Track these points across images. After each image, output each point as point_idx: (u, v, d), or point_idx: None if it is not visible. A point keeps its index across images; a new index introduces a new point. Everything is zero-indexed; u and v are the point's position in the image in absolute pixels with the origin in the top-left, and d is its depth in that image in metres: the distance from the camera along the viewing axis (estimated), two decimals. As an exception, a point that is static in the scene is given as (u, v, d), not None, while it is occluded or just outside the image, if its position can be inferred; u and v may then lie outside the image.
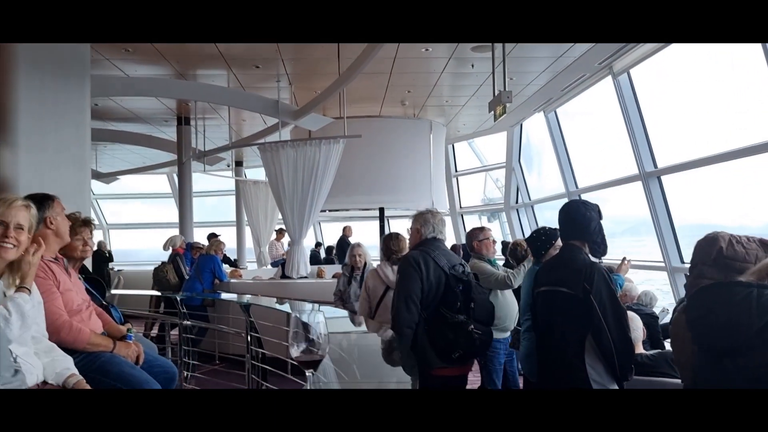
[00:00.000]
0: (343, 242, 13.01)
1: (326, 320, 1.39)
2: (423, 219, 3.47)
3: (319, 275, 12.33)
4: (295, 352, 1.37)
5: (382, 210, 8.78)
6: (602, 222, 3.11)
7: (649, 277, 12.50)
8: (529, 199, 12.00)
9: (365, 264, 5.18)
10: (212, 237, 11.63)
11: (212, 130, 10.70)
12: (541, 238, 3.84)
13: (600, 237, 3.07)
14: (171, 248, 8.85)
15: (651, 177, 7.36)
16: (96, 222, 3.48)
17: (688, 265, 2.33)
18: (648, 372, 3.81)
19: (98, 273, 12.14)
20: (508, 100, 5.74)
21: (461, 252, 10.16)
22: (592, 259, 3.05)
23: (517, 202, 12.53)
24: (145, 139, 10.30)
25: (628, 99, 7.48)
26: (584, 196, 9.87)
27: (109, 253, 13.46)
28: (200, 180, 17.84)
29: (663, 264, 7.39)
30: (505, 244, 7.53)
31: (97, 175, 14.10)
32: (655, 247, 7.58)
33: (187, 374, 5.32)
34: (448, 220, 14.18)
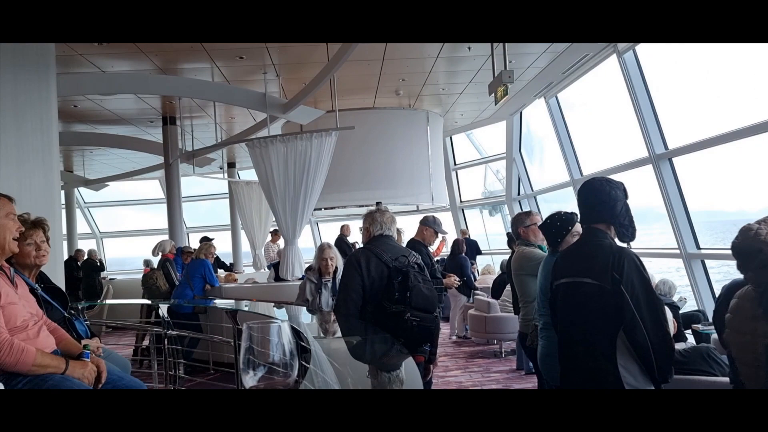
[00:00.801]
0: (342, 242, 12.57)
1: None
2: (371, 218, 3.68)
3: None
4: (250, 380, 0.97)
5: (379, 204, 8.39)
6: (628, 202, 2.72)
7: (659, 266, 12.13)
8: (532, 189, 11.61)
9: (336, 269, 4.45)
10: (204, 241, 11.26)
11: (200, 130, 10.30)
12: (556, 224, 3.41)
13: (627, 219, 2.68)
14: (160, 254, 8.45)
15: (662, 159, 6.96)
16: (48, 225, 3.07)
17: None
18: (682, 370, 3.42)
19: (89, 283, 11.81)
20: (510, 80, 5.36)
21: (463, 247, 9.78)
22: (620, 244, 2.66)
23: (519, 194, 12.14)
24: (130, 142, 9.90)
25: (635, 77, 7.08)
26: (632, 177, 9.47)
27: (101, 261, 13.08)
28: (193, 184, 17.46)
29: (678, 251, 6.99)
30: (510, 236, 7.14)
31: (85, 182, 13.73)
32: (663, 235, 7.20)
33: (172, 388, 4.92)
34: (448, 215, 13.81)
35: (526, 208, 12.16)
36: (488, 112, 10.46)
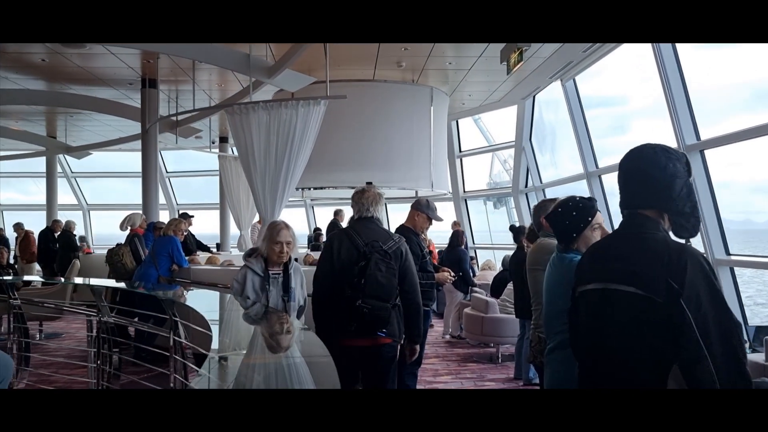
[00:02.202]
0: (335, 227, 11.83)
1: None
2: (353, 201, 3.63)
3: (307, 262, 11.21)
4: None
5: (370, 184, 7.58)
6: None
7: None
8: (541, 182, 10.79)
9: (291, 258, 3.55)
10: (183, 217, 10.50)
11: (186, 96, 9.49)
12: (570, 213, 2.51)
13: (690, 204, 1.88)
14: (129, 228, 7.69)
15: (693, 151, 6.14)
16: None
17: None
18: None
19: (66, 256, 10.99)
20: (527, 44, 4.54)
21: (463, 239, 8.99)
22: (674, 238, 1.87)
23: (526, 186, 11.32)
24: (107, 106, 9.09)
25: (667, 56, 6.24)
26: (606, 178, 8.67)
27: (81, 238, 12.32)
28: (186, 159, 16.73)
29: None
30: (520, 228, 6.32)
31: (67, 149, 12.97)
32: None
33: (104, 385, 4.15)
34: (450, 205, 13.01)
35: (534, 202, 11.34)
36: (498, 94, 9.63)
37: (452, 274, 5.35)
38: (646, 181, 1.88)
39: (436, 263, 6.59)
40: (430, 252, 5.82)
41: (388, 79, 8.26)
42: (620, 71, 9.26)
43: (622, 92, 10.10)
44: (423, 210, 4.89)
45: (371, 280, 3.30)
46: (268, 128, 6.26)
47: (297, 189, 8.38)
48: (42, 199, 15.00)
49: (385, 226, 3.72)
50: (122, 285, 5.22)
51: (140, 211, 8.20)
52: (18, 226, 12.68)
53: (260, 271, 3.51)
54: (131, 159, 17.02)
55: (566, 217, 2.50)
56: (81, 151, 12.57)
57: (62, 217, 13.68)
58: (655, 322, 1.72)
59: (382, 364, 3.47)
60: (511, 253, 9.01)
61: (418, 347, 3.71)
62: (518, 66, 4.75)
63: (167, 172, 16.39)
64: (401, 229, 4.94)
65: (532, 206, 11.36)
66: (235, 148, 14.01)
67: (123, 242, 7.57)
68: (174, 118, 9.45)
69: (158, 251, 6.64)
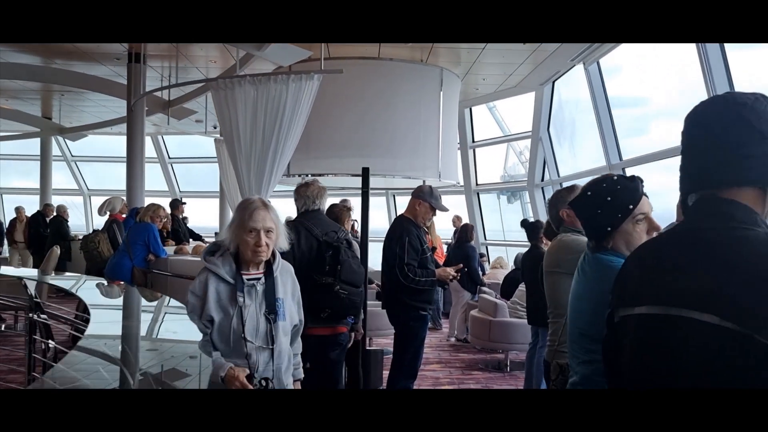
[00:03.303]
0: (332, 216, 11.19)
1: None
2: (297, 195, 3.74)
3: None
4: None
5: (366, 171, 6.87)
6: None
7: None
8: (558, 175, 10.04)
9: (276, 255, 2.41)
10: (175, 204, 9.92)
11: (180, 75, 8.85)
12: (605, 197, 1.76)
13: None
14: (108, 213, 7.10)
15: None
16: None
17: None
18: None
19: (56, 243, 10.43)
20: None
21: (472, 234, 8.27)
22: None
23: (543, 180, 10.59)
24: (94, 83, 8.47)
25: (714, 55, 5.46)
26: (630, 171, 7.92)
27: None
28: (185, 144, 16.14)
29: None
30: (528, 224, 5.62)
31: (60, 130, 12.44)
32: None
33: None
34: (461, 198, 12.31)
35: (550, 197, 10.60)
36: (515, 78, 8.89)
37: (453, 272, 4.60)
38: (730, 144, 1.19)
39: (441, 262, 5.91)
40: (434, 248, 5.12)
41: (395, 58, 7.55)
42: (639, 71, 8.53)
43: (641, 93, 9.29)
44: (425, 198, 4.23)
45: (347, 267, 3.41)
46: (255, 105, 5.61)
47: (293, 175, 7.73)
48: (58, 181, 14.55)
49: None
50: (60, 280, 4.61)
51: (122, 196, 7.61)
52: (19, 210, 12.23)
53: (229, 276, 2.30)
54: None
55: (598, 202, 1.78)
56: (75, 132, 12.00)
57: (60, 202, 13.20)
58: (746, 365, 1.04)
59: (338, 352, 3.60)
60: (524, 251, 8.34)
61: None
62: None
63: (169, 158, 15.83)
64: (399, 220, 4.28)
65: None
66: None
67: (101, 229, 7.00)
68: (166, 98, 8.85)
69: (133, 239, 6.04)
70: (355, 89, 7.47)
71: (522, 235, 12.67)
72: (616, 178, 1.79)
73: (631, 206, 1.74)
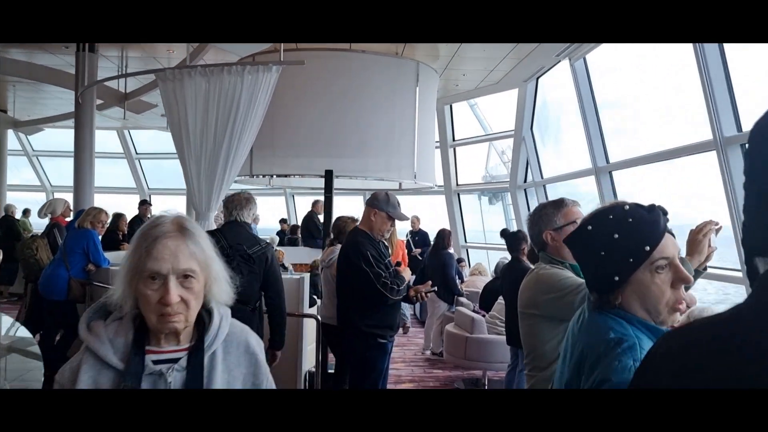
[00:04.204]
0: (310, 220, 10.62)
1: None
2: (223, 205, 3.85)
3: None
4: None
5: (330, 173, 6.32)
6: None
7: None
8: (542, 177, 9.55)
9: (213, 316, 1.51)
10: (143, 205, 9.28)
11: (137, 64, 8.21)
12: (610, 234, 1.23)
13: None
14: (49, 216, 6.45)
15: (731, 145, 4.91)
16: None
17: None
18: None
19: (6, 246, 9.71)
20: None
21: (449, 241, 7.73)
22: None
23: (525, 181, 10.10)
24: (41, 72, 7.78)
25: (711, 53, 4.96)
26: (618, 174, 7.45)
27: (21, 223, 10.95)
28: (156, 139, 15.41)
29: (741, 273, 5.00)
30: (508, 234, 5.09)
31: (14, 124, 11.69)
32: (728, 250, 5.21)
33: None
34: (441, 198, 11.81)
35: (533, 199, 10.10)
36: (497, 74, 8.37)
37: (425, 290, 4.03)
38: None
39: (405, 267, 5.33)
40: (399, 263, 4.54)
41: (367, 50, 6.99)
42: (623, 73, 8.11)
43: (625, 95, 8.83)
44: (381, 207, 3.66)
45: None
46: (207, 98, 5.05)
47: (256, 176, 7.15)
48: (28, 178, 13.78)
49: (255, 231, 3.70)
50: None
51: (67, 197, 6.95)
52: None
53: (117, 359, 1.36)
54: (103, 137, 15.77)
55: (603, 241, 1.23)
56: (30, 126, 11.27)
57: (21, 199, 12.48)
58: None
59: None
60: (503, 259, 7.82)
61: (279, 354, 3.63)
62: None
63: (137, 153, 15.12)
64: (353, 234, 3.71)
65: (531, 204, 10.16)
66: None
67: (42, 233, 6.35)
68: (122, 90, 8.21)
69: (71, 247, 5.41)
70: (324, 83, 6.91)
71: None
72: (627, 207, 1.25)
73: (648, 247, 1.20)
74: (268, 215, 14.59)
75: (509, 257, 8.39)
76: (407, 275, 3.85)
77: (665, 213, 1.24)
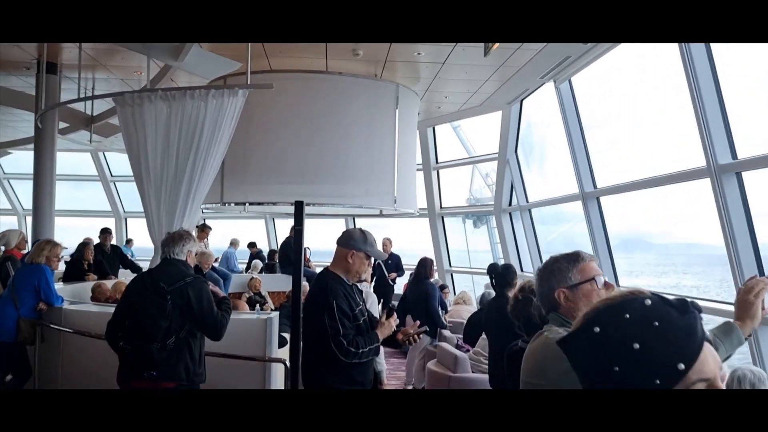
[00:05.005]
0: (288, 246, 10.23)
1: None
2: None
3: (252, 288, 9.58)
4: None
5: (300, 204, 5.97)
6: None
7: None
8: (527, 200, 9.29)
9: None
10: (105, 233, 8.85)
11: (102, 87, 7.85)
12: (629, 344, 0.87)
13: None
14: (2, 249, 6.03)
15: (726, 173, 4.64)
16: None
17: None
18: None
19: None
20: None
21: (432, 271, 7.41)
22: None
23: (510, 204, 9.82)
24: (2, 94, 7.39)
25: (698, 55, 4.71)
26: (606, 200, 7.18)
27: None
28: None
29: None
30: (497, 271, 4.75)
31: (-20, 147, 11.26)
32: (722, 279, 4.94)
33: None
34: (425, 221, 11.51)
35: (518, 222, 9.82)
36: (480, 96, 8.11)
37: (411, 333, 3.64)
38: None
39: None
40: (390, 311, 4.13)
41: (344, 72, 6.69)
42: (603, 91, 7.91)
43: (612, 115, 8.60)
44: (359, 247, 3.31)
45: (135, 320, 3.38)
46: (168, 124, 4.69)
47: (226, 204, 6.78)
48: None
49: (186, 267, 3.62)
50: None
51: (19, 227, 6.54)
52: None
53: None
54: (77, 160, 15.30)
55: (618, 352, 0.86)
56: (-5, 149, 10.86)
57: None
58: None
59: None
60: (488, 291, 7.47)
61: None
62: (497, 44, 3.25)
63: (112, 176, 14.68)
64: (323, 278, 3.34)
65: (516, 228, 9.88)
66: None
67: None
68: (89, 113, 7.84)
69: (20, 284, 5.00)
70: (299, 107, 6.56)
71: (488, 260, 11.88)
72: (649, 303, 0.91)
73: (683, 365, 0.86)
74: (249, 238, 14.15)
75: (491, 297, 8.14)
76: (388, 327, 3.39)
77: (700, 311, 0.91)
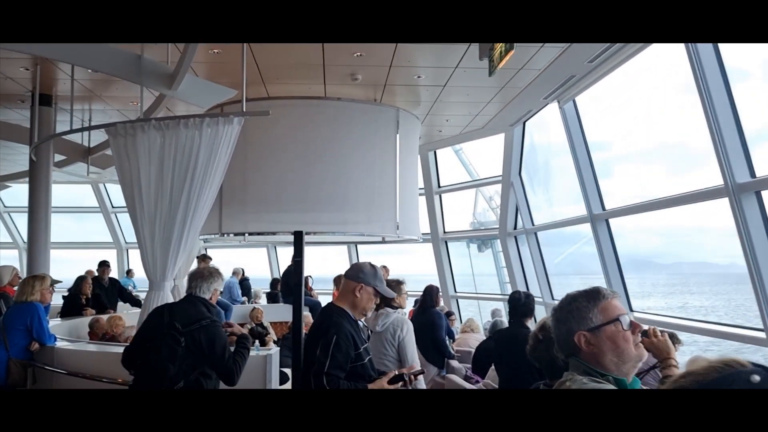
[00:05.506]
0: (290, 275, 10.02)
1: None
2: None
3: (254, 319, 9.35)
4: None
5: (300, 234, 5.79)
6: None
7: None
8: (533, 224, 9.10)
9: None
10: (103, 266, 8.68)
11: (99, 117, 7.75)
12: None
13: None
14: (-6, 286, 5.85)
15: (746, 192, 4.45)
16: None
17: None
18: None
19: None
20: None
21: (438, 299, 7.19)
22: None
23: (515, 228, 9.63)
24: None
25: (710, 69, 4.56)
26: (616, 223, 6.98)
27: None
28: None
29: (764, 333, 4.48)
30: (520, 301, 4.51)
31: (-23, 181, 11.15)
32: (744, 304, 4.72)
33: None
34: (429, 247, 11.30)
35: (523, 246, 9.61)
36: (482, 119, 7.97)
37: (418, 369, 3.45)
38: None
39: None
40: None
41: (343, 97, 6.57)
42: (602, 115, 7.80)
43: (604, 138, 8.45)
44: (369, 281, 3.13)
45: (145, 359, 3.33)
46: (161, 154, 4.54)
47: (225, 235, 6.61)
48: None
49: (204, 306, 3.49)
50: None
51: (13, 264, 6.36)
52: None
53: None
54: (78, 192, 15.22)
55: None
56: (-7, 182, 10.76)
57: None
58: None
59: None
60: (500, 318, 7.25)
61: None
62: (507, 58, 3.09)
63: (113, 207, 14.56)
64: (327, 312, 3.15)
65: (522, 252, 9.67)
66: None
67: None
68: (86, 145, 7.72)
69: (10, 323, 4.80)
70: (298, 134, 6.44)
71: (493, 285, 11.64)
72: (757, 380, 0.72)
73: None
74: (251, 267, 13.94)
75: (503, 314, 7.90)
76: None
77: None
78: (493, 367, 5.54)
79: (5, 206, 14.79)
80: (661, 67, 5.82)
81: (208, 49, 5.26)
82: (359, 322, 3.16)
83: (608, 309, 1.67)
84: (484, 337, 7.22)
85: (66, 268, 12.94)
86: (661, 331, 2.18)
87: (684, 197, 5.17)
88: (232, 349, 3.51)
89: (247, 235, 6.74)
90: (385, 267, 9.94)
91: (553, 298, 8.86)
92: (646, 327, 2.12)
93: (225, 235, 6.58)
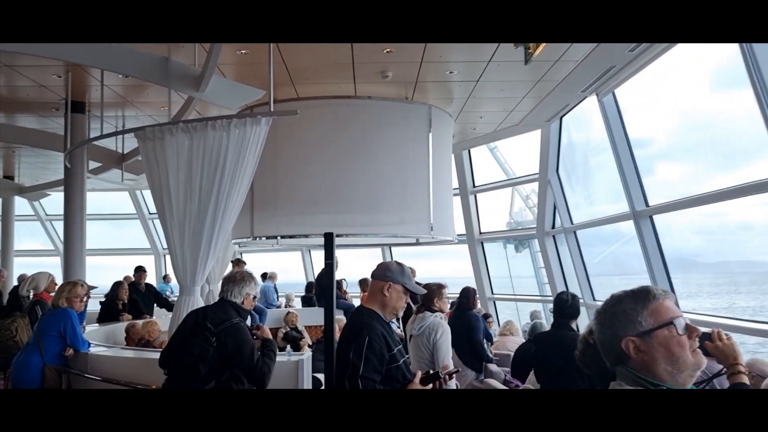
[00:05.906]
0: (325, 278, 9.93)
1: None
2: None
3: (289, 323, 9.29)
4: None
5: (330, 236, 5.67)
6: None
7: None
8: (572, 222, 8.80)
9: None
10: (139, 271, 8.73)
11: (132, 123, 7.79)
12: None
13: None
14: (32, 292, 5.89)
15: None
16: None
17: None
18: None
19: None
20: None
21: (475, 301, 6.98)
22: None
23: (554, 227, 9.34)
24: (29, 136, 7.39)
25: (764, 61, 4.27)
26: (660, 219, 6.67)
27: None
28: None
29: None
30: (566, 302, 4.27)
31: (19, 190, 11.40)
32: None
33: None
34: (464, 248, 11.08)
35: (562, 245, 9.32)
36: (517, 115, 7.74)
37: (453, 369, 3.37)
38: None
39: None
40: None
41: (374, 95, 6.44)
42: (642, 112, 7.46)
43: (644, 134, 8.10)
44: (397, 279, 3.00)
45: (178, 359, 3.38)
46: (190, 157, 4.48)
47: (257, 238, 6.55)
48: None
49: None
50: None
51: (55, 271, 6.40)
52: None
53: None
54: (117, 198, 15.49)
55: None
56: (33, 191, 10.97)
57: (30, 265, 12.09)
58: None
59: None
60: (539, 321, 7.01)
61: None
62: (540, 49, 2.91)
63: (150, 213, 14.75)
64: (359, 314, 3.02)
65: (561, 251, 9.37)
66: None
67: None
68: (120, 151, 7.78)
69: (45, 329, 4.78)
70: (329, 134, 6.35)
71: (531, 286, 11.33)
72: None
73: None
74: (286, 271, 13.93)
75: (542, 316, 7.64)
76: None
77: None
78: (533, 371, 5.32)
79: (47, 214, 15.12)
80: (707, 56, 5.52)
81: (235, 50, 5.19)
82: (391, 323, 3.03)
83: (660, 311, 1.48)
84: (523, 340, 6.99)
85: (105, 274, 13.18)
86: (726, 335, 1.97)
87: (732, 191, 4.87)
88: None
89: (279, 238, 6.67)
90: (411, 269, 9.76)
91: (594, 299, 8.56)
92: (706, 329, 1.92)
93: (257, 239, 6.52)
